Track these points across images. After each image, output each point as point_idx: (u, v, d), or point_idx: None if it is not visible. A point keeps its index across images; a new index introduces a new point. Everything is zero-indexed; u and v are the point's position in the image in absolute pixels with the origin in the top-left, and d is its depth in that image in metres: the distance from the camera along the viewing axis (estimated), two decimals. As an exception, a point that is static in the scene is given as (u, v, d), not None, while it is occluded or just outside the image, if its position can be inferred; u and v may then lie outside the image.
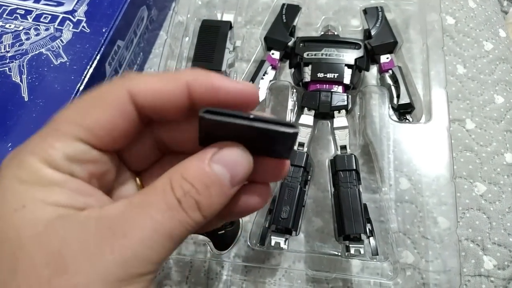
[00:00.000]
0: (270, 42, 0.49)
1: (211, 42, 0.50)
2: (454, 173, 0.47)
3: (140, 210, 0.18)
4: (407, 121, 0.44)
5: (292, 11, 0.50)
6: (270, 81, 0.47)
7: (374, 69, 0.50)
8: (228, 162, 0.19)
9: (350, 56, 0.46)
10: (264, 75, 0.48)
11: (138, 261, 0.17)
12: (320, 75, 0.45)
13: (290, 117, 0.45)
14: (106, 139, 0.20)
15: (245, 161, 0.20)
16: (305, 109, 0.45)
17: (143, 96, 0.20)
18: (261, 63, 0.48)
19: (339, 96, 0.45)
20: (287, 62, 0.50)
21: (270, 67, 0.48)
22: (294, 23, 0.50)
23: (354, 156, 0.42)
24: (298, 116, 0.45)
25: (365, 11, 0.49)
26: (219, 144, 0.20)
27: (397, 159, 0.47)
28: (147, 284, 0.18)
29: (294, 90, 0.47)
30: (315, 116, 0.45)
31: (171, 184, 0.19)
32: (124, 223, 0.18)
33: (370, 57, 0.48)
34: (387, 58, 0.47)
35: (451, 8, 0.59)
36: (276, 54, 0.49)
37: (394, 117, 0.45)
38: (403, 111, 0.45)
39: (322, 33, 0.50)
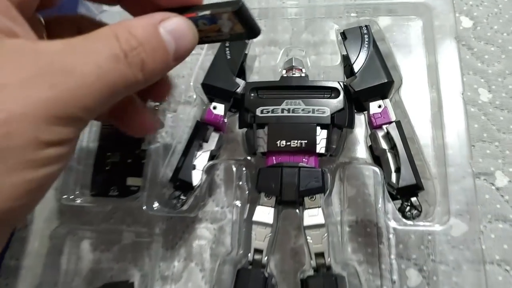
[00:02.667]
0: (209, 91, 0.34)
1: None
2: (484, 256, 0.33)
3: (83, 53, 0.17)
4: (411, 213, 0.30)
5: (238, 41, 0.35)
6: (211, 158, 0.33)
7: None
8: (176, 32, 0.20)
9: (324, 110, 0.31)
10: (200, 146, 0.33)
11: (76, 103, 0.17)
12: (281, 143, 0.31)
13: (235, 216, 0.31)
14: None
15: (191, 35, 0.21)
16: (262, 195, 0.31)
17: None
18: (196, 128, 0.33)
19: (311, 173, 0.30)
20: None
21: (212, 129, 0.34)
22: (242, 59, 0.35)
23: (337, 277, 0.28)
24: (253, 206, 0.31)
25: (343, 35, 0.34)
26: (168, 12, 0.20)
27: (401, 242, 0.33)
28: (76, 132, 0.18)
29: (244, 169, 0.32)
30: (278, 204, 0.31)
31: (116, 36, 0.18)
32: (66, 63, 0.17)
33: (355, 103, 0.33)
34: (379, 106, 0.32)
35: (466, 3, 0.43)
36: (219, 108, 0.34)
37: (391, 202, 0.30)
38: (407, 194, 0.30)
39: (284, 71, 0.34)
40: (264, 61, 0.42)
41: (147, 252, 0.37)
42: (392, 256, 0.34)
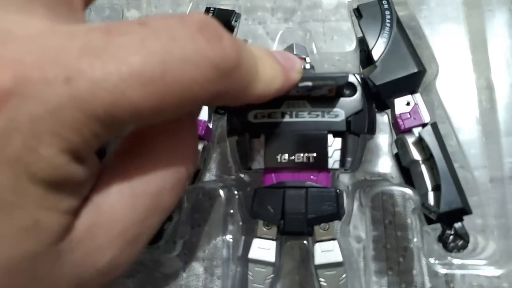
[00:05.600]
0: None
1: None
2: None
3: None
4: (456, 244, 0.23)
5: (223, 22, 0.27)
6: (194, 175, 0.26)
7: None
8: None
9: (337, 112, 0.24)
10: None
11: None
12: (283, 157, 0.24)
13: (226, 253, 0.24)
14: None
15: None
16: (260, 224, 0.24)
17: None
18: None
19: (322, 195, 0.23)
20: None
21: (194, 138, 0.27)
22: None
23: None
24: (248, 238, 0.24)
25: (358, 12, 0.26)
26: None
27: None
28: None
29: (235, 192, 0.25)
30: (281, 234, 0.24)
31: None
32: None
33: (375, 100, 0.26)
34: (407, 103, 0.25)
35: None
36: (201, 112, 0.27)
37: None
38: (450, 220, 0.23)
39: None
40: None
41: None
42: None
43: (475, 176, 0.24)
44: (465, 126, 0.27)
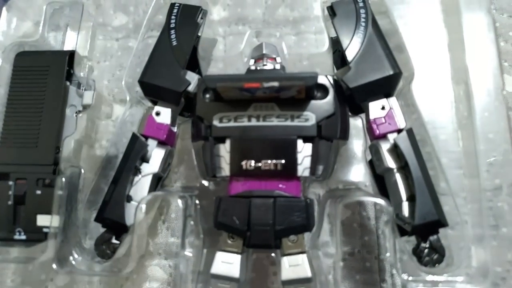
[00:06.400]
0: (150, 92, 0.25)
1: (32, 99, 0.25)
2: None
3: None
4: (431, 258, 0.21)
5: (188, 19, 0.25)
6: (156, 182, 0.24)
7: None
8: None
9: (307, 116, 0.22)
10: (137, 169, 0.24)
11: None
12: (249, 164, 0.22)
13: (183, 268, 0.22)
14: None
15: None
16: (225, 236, 0.22)
17: None
18: (131, 143, 0.24)
19: (291, 205, 0.22)
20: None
21: (156, 143, 0.25)
22: (194, 45, 0.26)
23: None
24: (211, 251, 0.22)
25: (332, 10, 0.25)
26: None
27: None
28: None
29: (197, 202, 0.23)
30: (247, 246, 0.22)
31: None
32: None
33: (349, 103, 0.24)
34: (382, 108, 0.23)
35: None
36: (164, 114, 0.25)
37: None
38: (425, 233, 0.22)
39: (252, 61, 0.25)
40: (230, 46, 0.33)
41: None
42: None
43: (450, 184, 0.23)
44: (441, 132, 0.25)
